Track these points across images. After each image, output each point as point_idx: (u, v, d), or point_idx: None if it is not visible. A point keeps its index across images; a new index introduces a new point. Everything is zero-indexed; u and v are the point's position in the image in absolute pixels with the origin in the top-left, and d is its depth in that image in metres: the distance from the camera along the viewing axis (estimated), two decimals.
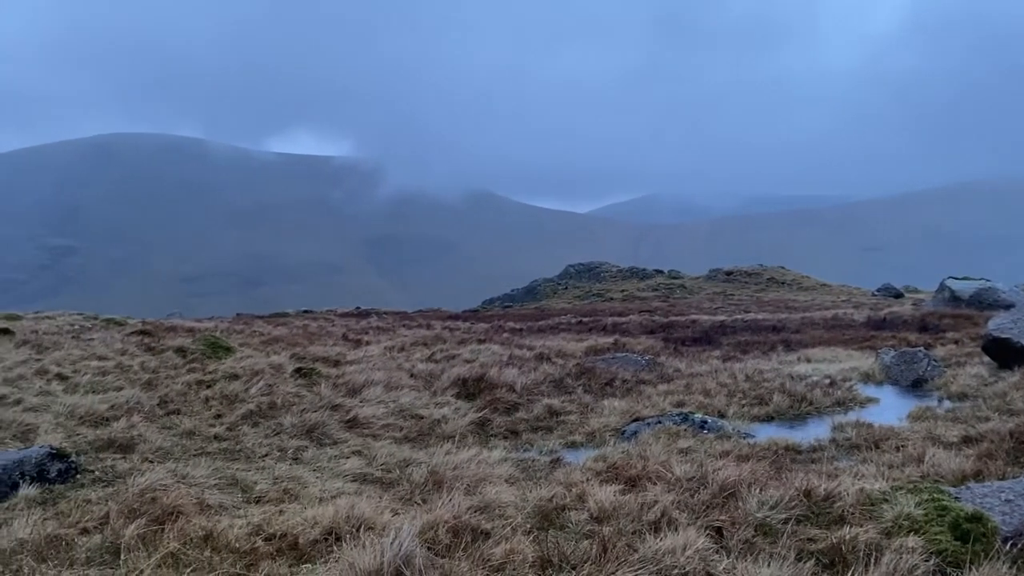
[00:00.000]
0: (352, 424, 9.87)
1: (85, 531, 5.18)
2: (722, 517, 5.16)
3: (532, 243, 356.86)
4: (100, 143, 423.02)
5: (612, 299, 56.95)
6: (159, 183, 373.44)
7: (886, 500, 5.22)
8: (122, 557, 4.62)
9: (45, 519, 5.44)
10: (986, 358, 13.45)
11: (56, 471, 6.87)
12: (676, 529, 4.84)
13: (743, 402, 11.13)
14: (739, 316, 29.44)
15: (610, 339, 20.04)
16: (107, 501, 5.86)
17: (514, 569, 4.34)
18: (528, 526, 5.28)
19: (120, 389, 10.91)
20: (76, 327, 18.68)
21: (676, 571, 4.21)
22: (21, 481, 6.49)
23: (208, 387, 11.32)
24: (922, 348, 14.18)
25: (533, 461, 8.28)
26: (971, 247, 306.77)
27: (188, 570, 4.44)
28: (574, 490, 5.99)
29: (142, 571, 4.35)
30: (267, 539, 5.05)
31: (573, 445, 9.43)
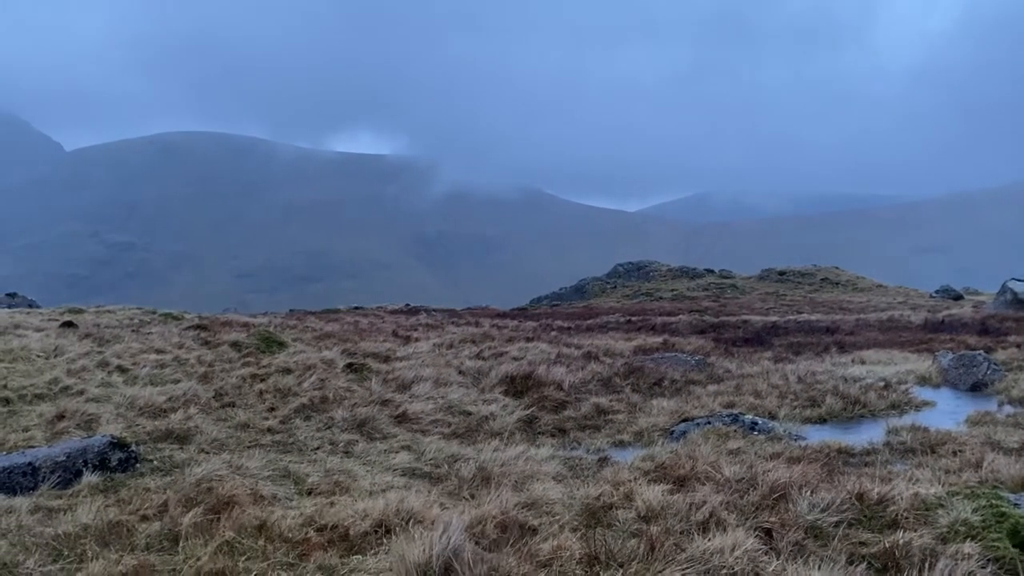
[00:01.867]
0: (401, 419, 9.99)
1: (145, 518, 5.36)
2: (772, 519, 5.11)
3: (581, 241, 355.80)
4: (162, 141, 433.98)
5: (661, 298, 56.47)
6: (218, 181, 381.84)
7: (942, 505, 5.12)
8: (180, 544, 4.76)
9: (107, 506, 5.64)
10: None
11: (117, 460, 7.09)
12: (725, 530, 4.81)
13: (794, 404, 10.96)
14: (791, 317, 28.96)
15: (659, 338, 19.89)
16: (165, 490, 6.04)
17: (561, 565, 4.36)
18: (575, 523, 5.30)
19: (177, 382, 11.20)
20: (135, 321, 19.22)
21: (724, 571, 4.19)
22: (84, 469, 6.73)
23: (262, 381, 11.55)
24: (982, 351, 13.79)
25: (580, 459, 8.29)
26: None
27: (243, 558, 4.57)
28: (621, 489, 5.99)
29: (199, 558, 4.48)
30: (319, 530, 5.16)
31: (621, 444, 9.41)
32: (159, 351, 13.65)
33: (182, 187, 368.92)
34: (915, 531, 4.77)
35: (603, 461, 8.11)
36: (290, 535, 5.00)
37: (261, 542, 4.83)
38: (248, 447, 8.29)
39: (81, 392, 10.17)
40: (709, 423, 9.17)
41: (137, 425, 8.83)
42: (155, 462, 7.42)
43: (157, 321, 19.60)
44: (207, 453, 7.89)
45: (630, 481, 6.26)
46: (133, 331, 16.45)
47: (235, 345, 14.41)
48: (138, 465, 7.24)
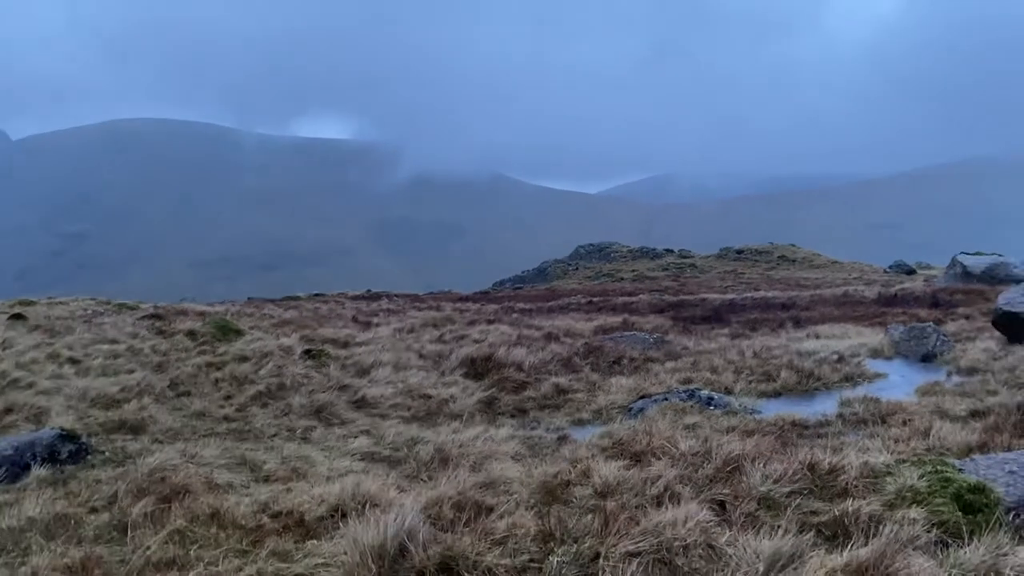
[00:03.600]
0: (360, 404, 9.94)
1: (94, 510, 5.26)
2: (725, 491, 5.17)
3: (544, 224, 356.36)
4: (114, 128, 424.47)
5: (622, 279, 56.87)
6: (174, 168, 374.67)
7: (890, 473, 5.22)
8: (129, 534, 4.68)
9: (55, 499, 5.52)
10: (996, 333, 13.37)
11: (67, 452, 6.95)
12: (679, 503, 4.85)
13: (750, 379, 11.11)
14: (749, 294, 29.35)
15: (619, 318, 20.03)
16: (116, 481, 5.93)
17: (516, 542, 4.37)
18: (532, 501, 5.31)
19: (131, 372, 11.01)
20: (88, 312, 18.83)
21: (677, 543, 4.22)
22: (32, 463, 6.58)
23: (218, 369, 11.41)
24: (932, 323, 14.10)
25: (540, 438, 8.32)
26: (985, 223, 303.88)
27: (194, 546, 4.51)
28: (579, 466, 6.01)
29: (149, 547, 4.41)
30: (273, 516, 5.11)
31: (580, 422, 9.47)
32: (112, 341, 13.39)
33: (136, 175, 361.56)
34: (864, 499, 4.85)
35: (562, 439, 8.16)
36: (244, 522, 4.94)
37: (214, 530, 4.76)
38: (204, 436, 8.19)
39: (30, 385, 9.95)
40: (666, 399, 9.26)
41: (89, 417, 8.67)
42: (107, 453, 7.29)
43: (111, 312, 19.22)
44: (161, 443, 7.78)
45: (588, 458, 6.29)
46: (86, 322, 16.11)
47: (191, 334, 14.18)
48: (89, 457, 7.11)
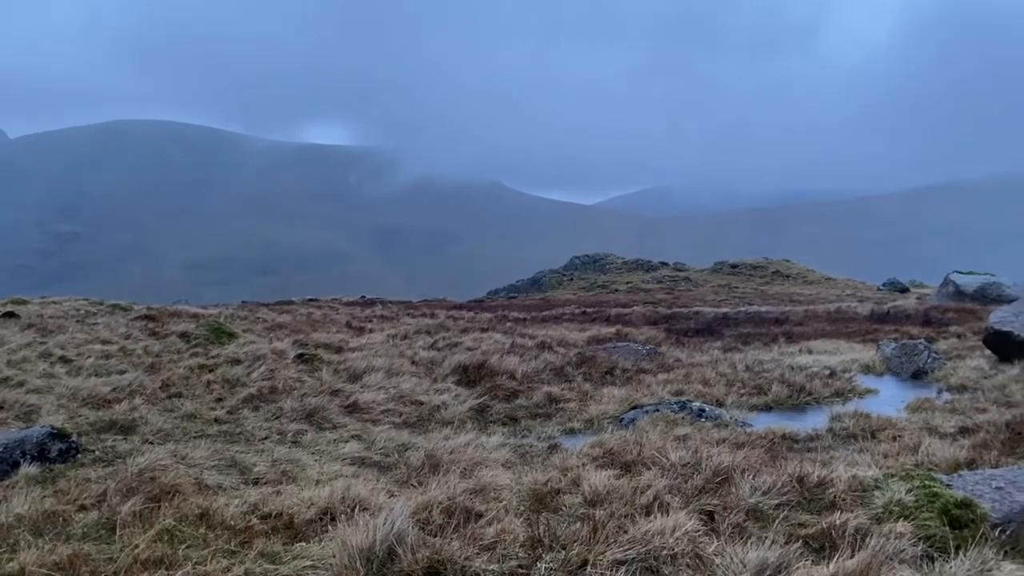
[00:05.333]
0: (352, 409, 9.93)
1: (83, 508, 5.25)
2: (714, 502, 5.19)
3: (539, 234, 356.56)
4: (113, 129, 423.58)
5: (617, 290, 56.94)
6: (172, 171, 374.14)
7: (878, 487, 5.25)
8: (117, 532, 4.68)
9: (44, 496, 5.51)
10: (987, 351, 13.43)
11: (57, 451, 6.94)
12: (668, 512, 4.87)
13: (742, 392, 11.14)
14: (742, 308, 29.41)
15: (612, 329, 20.05)
16: (106, 480, 5.92)
17: (504, 548, 4.38)
18: (521, 508, 5.32)
19: (123, 372, 10.98)
20: (81, 312, 18.79)
21: (664, 552, 4.24)
22: (22, 460, 6.57)
23: (210, 371, 11.38)
24: (923, 341, 14.16)
25: (531, 447, 8.33)
26: (979, 242, 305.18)
27: (183, 546, 4.50)
28: (569, 474, 6.03)
29: (137, 546, 4.41)
30: (263, 518, 5.11)
31: (571, 432, 9.47)
32: (105, 341, 13.36)
33: (133, 176, 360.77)
34: (852, 512, 4.89)
35: (553, 448, 8.16)
36: (233, 523, 4.94)
37: (202, 530, 4.76)
38: (194, 437, 8.17)
39: (21, 383, 9.91)
40: (658, 410, 9.27)
41: (80, 416, 8.64)
42: (97, 452, 7.27)
43: (104, 312, 19.19)
44: (152, 443, 7.75)
45: (578, 467, 6.31)
46: (78, 321, 16.08)
47: (184, 336, 14.16)
48: (79, 456, 7.09)
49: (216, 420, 9.03)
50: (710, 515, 5.01)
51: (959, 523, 4.62)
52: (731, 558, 4.21)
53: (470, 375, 12.09)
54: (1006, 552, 4.39)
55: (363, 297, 44.46)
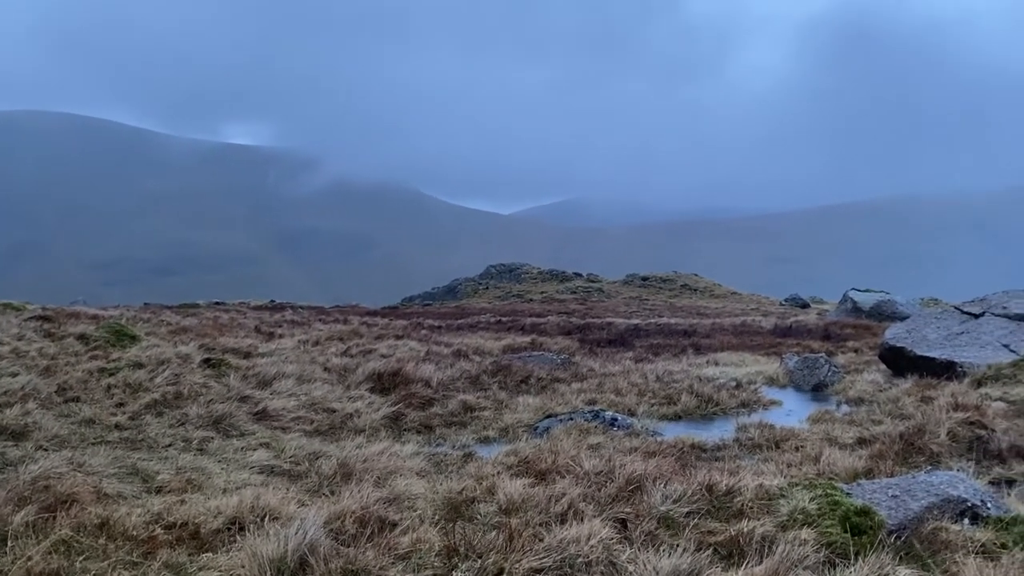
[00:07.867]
0: (261, 416, 9.67)
1: None
2: (627, 509, 5.28)
3: (455, 242, 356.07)
4: (6, 119, 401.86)
5: (532, 300, 57.31)
6: (71, 165, 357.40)
7: (783, 496, 5.43)
8: (8, 544, 4.42)
9: None
10: (882, 366, 14.09)
11: None
12: (582, 520, 4.92)
13: (653, 401, 11.37)
14: (653, 320, 30.04)
15: (528, 338, 20.18)
16: None
17: (420, 557, 4.34)
18: (437, 517, 5.28)
19: (15, 375, 10.39)
20: None
21: (580, 559, 4.28)
22: None
23: (111, 375, 10.90)
24: (823, 355, 14.76)
25: (446, 455, 8.28)
26: (875, 262, 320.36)
27: (81, 557, 4.29)
28: (484, 483, 6.02)
29: (31, 558, 4.17)
30: (167, 528, 4.92)
31: (486, 440, 9.48)
32: None
33: (33, 170, 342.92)
34: (759, 520, 5.04)
35: (468, 457, 8.14)
36: (135, 533, 4.74)
37: (102, 541, 4.55)
38: (93, 444, 7.81)
39: None
40: (572, 419, 9.37)
41: None
42: None
43: None
44: (46, 450, 7.37)
45: (493, 475, 6.31)
46: None
47: (82, 338, 13.53)
48: None
49: (117, 426, 8.65)
50: (623, 523, 5.08)
51: (859, 530, 4.82)
52: (644, 565, 4.28)
53: (384, 383, 11.96)
54: (901, 557, 4.60)
55: (272, 301, 43.44)
